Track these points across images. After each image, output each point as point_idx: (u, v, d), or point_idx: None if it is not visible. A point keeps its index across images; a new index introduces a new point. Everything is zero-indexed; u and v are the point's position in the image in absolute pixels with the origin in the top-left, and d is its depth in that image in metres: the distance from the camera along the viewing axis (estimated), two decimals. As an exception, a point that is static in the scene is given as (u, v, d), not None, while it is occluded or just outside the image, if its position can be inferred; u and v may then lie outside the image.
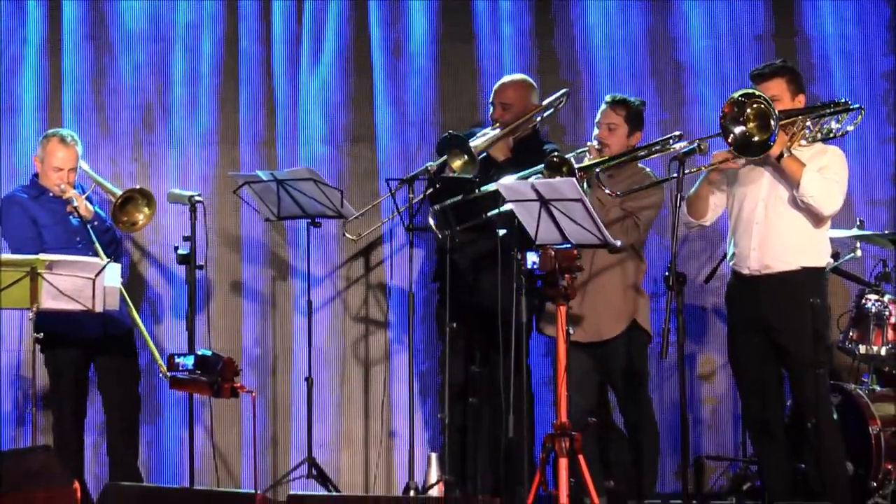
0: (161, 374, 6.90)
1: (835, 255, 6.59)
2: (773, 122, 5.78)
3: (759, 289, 6.10)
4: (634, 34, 7.46)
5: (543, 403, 7.14)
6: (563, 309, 5.80)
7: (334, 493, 7.00)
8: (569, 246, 5.79)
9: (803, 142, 6.07)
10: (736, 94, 5.85)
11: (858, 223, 6.85)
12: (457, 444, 6.86)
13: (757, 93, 5.86)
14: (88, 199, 6.91)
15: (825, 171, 6.02)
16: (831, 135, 6.09)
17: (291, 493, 6.48)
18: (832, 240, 6.35)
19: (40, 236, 6.85)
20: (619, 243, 5.90)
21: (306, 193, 6.89)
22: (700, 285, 7.25)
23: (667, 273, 5.77)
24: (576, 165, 6.05)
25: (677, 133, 6.19)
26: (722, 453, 7.29)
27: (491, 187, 6.30)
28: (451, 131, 6.80)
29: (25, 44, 7.56)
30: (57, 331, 6.67)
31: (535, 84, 6.96)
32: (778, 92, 6.03)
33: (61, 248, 6.73)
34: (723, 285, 6.54)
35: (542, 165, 6.09)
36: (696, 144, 5.96)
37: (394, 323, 7.51)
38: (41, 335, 6.50)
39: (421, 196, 6.66)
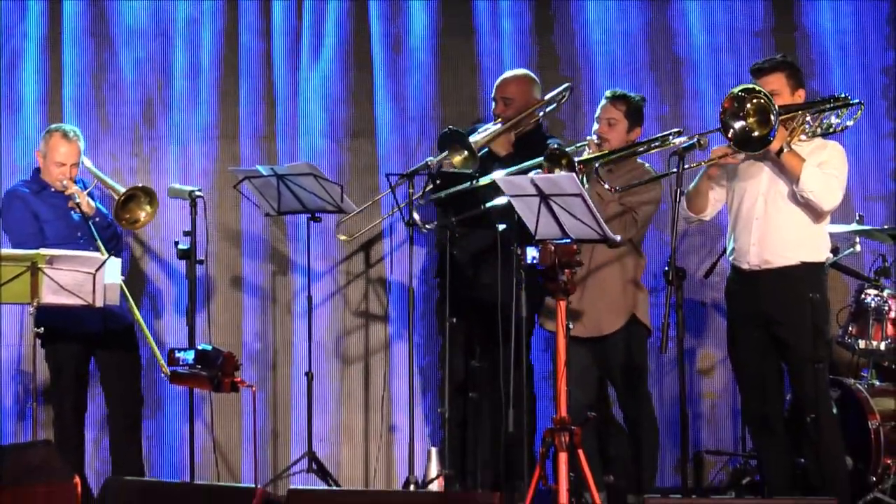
0: (163, 374, 6.90)
1: (834, 250, 6.59)
2: (772, 117, 5.78)
3: (759, 284, 6.10)
4: (634, 29, 7.46)
5: (543, 398, 7.15)
6: (562, 304, 5.80)
7: (334, 488, 7.01)
8: (568, 241, 5.80)
9: (803, 137, 6.07)
10: (736, 90, 5.85)
11: (858, 218, 6.85)
12: (457, 439, 6.87)
13: (757, 88, 5.87)
14: (90, 194, 6.92)
15: (825, 166, 6.02)
16: (831, 130, 6.09)
17: (291, 487, 6.48)
18: (832, 235, 6.36)
19: (42, 231, 6.85)
20: (618, 238, 5.90)
21: (306, 188, 6.89)
22: (700, 280, 7.26)
23: (666, 268, 5.78)
24: (575, 159, 6.05)
25: (676, 129, 6.20)
26: (721, 448, 7.30)
27: (484, 181, 6.31)
28: (451, 127, 6.80)
29: (26, 39, 7.56)
30: (57, 325, 6.67)
31: (537, 79, 6.96)
32: (778, 87, 6.03)
33: (62, 243, 6.72)
34: (722, 280, 6.54)
35: (542, 158, 6.10)
36: (695, 140, 5.97)
37: (394, 318, 7.52)
38: (42, 330, 6.50)
39: (421, 192, 6.67)
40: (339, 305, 7.55)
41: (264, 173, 6.93)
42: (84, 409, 7.03)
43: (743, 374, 6.27)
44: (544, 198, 5.76)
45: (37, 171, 6.99)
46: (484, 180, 6.39)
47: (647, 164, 6.50)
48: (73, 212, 6.86)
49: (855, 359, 6.95)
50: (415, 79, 7.53)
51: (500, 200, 6.16)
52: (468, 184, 6.44)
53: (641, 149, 6.27)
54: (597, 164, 6.15)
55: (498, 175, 6.26)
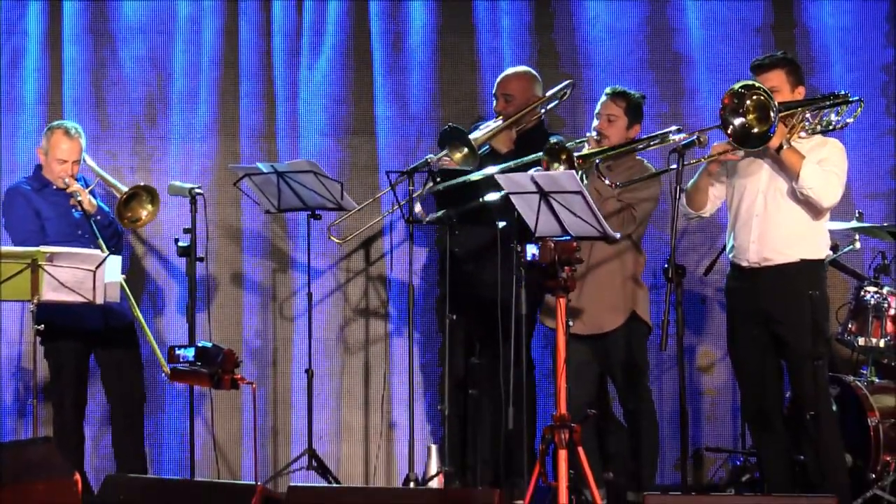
0: (163, 374, 6.91)
1: (834, 248, 6.60)
2: (772, 114, 5.78)
3: (759, 281, 6.10)
4: (633, 26, 7.47)
5: (543, 395, 7.16)
6: (562, 301, 5.80)
7: (334, 485, 7.01)
8: (568, 238, 5.80)
9: (803, 134, 6.07)
10: (736, 86, 5.85)
11: (857, 215, 6.86)
12: (457, 436, 6.87)
13: (757, 84, 5.87)
14: (92, 193, 6.92)
15: (825, 163, 6.02)
16: (831, 127, 6.09)
17: (292, 484, 6.48)
18: (832, 232, 6.36)
19: (43, 229, 6.85)
20: (618, 236, 5.91)
21: (307, 186, 6.90)
22: (699, 278, 7.26)
23: (666, 265, 5.79)
24: (575, 154, 6.06)
25: (676, 127, 6.20)
26: (721, 445, 7.30)
27: (475, 176, 6.33)
28: (451, 123, 6.81)
29: (26, 37, 7.56)
30: (58, 323, 6.67)
31: (538, 76, 6.97)
32: (778, 83, 6.04)
33: (64, 241, 6.72)
34: (722, 278, 6.55)
35: (542, 153, 6.11)
36: (695, 136, 5.97)
37: (394, 315, 7.52)
38: (42, 327, 6.50)
39: (420, 190, 6.67)
40: (340, 303, 7.55)
41: (264, 171, 6.93)
42: (84, 406, 7.04)
43: (742, 372, 6.28)
44: (544, 195, 5.76)
45: (39, 168, 7.00)
46: (475, 176, 6.40)
47: (645, 161, 6.50)
48: (74, 210, 6.87)
49: (854, 356, 6.96)
50: (415, 77, 7.54)
51: (492, 196, 6.17)
52: (463, 179, 6.45)
53: (641, 145, 6.28)
54: (597, 160, 6.15)
55: (491, 170, 6.28)
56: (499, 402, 6.35)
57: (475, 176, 6.41)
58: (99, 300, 6.49)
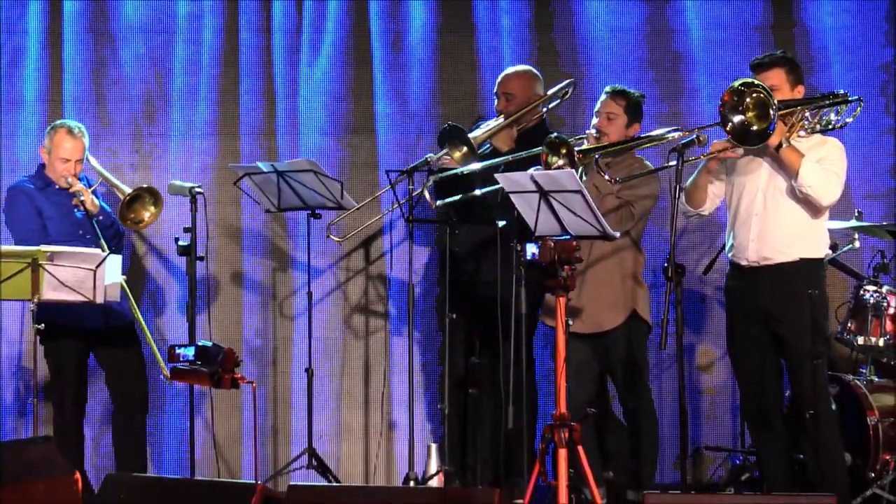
0: (162, 375, 6.91)
1: (833, 247, 6.60)
2: (772, 112, 5.79)
3: (758, 280, 6.11)
4: (633, 26, 7.47)
5: (543, 394, 7.16)
6: (562, 300, 5.81)
7: (334, 484, 7.01)
8: (568, 237, 5.80)
9: (802, 133, 6.08)
10: (736, 83, 5.85)
11: (857, 214, 6.86)
12: (457, 435, 6.88)
13: (756, 82, 5.87)
14: (94, 193, 6.92)
15: (824, 162, 6.03)
16: (830, 126, 6.10)
17: (292, 483, 6.49)
18: (831, 231, 6.36)
19: (45, 228, 6.86)
20: (617, 234, 5.91)
21: (307, 185, 6.90)
22: (699, 276, 7.26)
23: (666, 264, 5.79)
24: (575, 148, 6.06)
25: (675, 128, 6.20)
26: (721, 444, 7.30)
27: (467, 169, 6.35)
28: (450, 122, 6.81)
29: (26, 36, 7.57)
30: (58, 322, 6.67)
31: (539, 75, 6.97)
32: (777, 82, 6.04)
33: (65, 240, 6.72)
34: (721, 276, 6.55)
35: (541, 147, 6.11)
36: (695, 135, 5.97)
37: (394, 314, 7.52)
38: (42, 326, 6.50)
39: (420, 189, 6.67)
40: (340, 302, 7.55)
41: (264, 170, 6.93)
42: (84, 405, 7.04)
43: (742, 371, 6.28)
44: (544, 194, 5.76)
45: (41, 167, 7.00)
46: (467, 169, 6.41)
47: (645, 160, 6.51)
48: (76, 209, 6.87)
49: (854, 355, 6.96)
50: (414, 75, 7.54)
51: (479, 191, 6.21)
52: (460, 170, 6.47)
53: (641, 143, 6.27)
54: (596, 156, 6.15)
55: (476, 167, 6.30)
56: (499, 401, 6.36)
57: (466, 169, 6.41)
58: (99, 299, 6.49)
